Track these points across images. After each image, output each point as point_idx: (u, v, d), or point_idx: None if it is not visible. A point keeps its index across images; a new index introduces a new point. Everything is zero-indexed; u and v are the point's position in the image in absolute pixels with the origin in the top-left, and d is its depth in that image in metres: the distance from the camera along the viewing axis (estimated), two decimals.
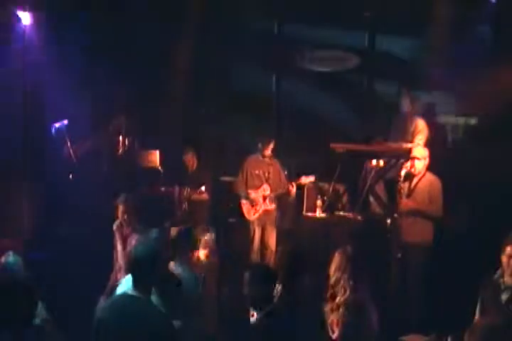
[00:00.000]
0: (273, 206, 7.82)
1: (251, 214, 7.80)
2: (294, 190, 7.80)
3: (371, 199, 7.33)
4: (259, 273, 4.11)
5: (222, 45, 9.28)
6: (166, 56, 9.28)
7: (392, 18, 8.55)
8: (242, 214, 7.88)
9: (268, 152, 7.83)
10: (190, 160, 8.43)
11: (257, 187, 7.81)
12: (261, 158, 7.86)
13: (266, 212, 7.79)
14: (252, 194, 7.79)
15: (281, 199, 7.95)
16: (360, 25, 9.06)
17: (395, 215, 6.32)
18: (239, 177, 7.91)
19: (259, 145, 7.84)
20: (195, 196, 8.25)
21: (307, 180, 7.70)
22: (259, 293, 3.97)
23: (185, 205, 8.28)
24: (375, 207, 7.33)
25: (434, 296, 6.18)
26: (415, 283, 6.21)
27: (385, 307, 5.29)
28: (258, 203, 7.78)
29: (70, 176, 8.18)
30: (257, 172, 7.84)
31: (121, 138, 8.56)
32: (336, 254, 4.44)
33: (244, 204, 7.84)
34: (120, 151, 8.58)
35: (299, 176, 7.82)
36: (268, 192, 7.78)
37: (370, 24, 9.08)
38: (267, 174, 7.83)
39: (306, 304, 4.60)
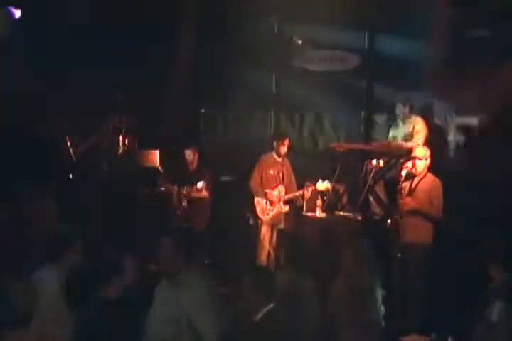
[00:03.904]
0: (287, 208, 7.82)
1: (265, 214, 7.79)
2: (308, 194, 7.66)
3: (371, 199, 7.33)
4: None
5: (222, 45, 9.30)
6: (167, 56, 9.29)
7: (392, 18, 8.59)
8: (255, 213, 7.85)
9: (284, 149, 7.81)
10: (192, 158, 8.42)
11: (272, 187, 7.80)
12: (276, 156, 7.85)
13: (279, 213, 7.79)
14: (269, 194, 7.78)
15: (291, 202, 7.92)
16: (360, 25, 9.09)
17: (396, 215, 6.33)
18: (255, 175, 7.86)
19: (274, 143, 7.83)
20: (194, 194, 8.24)
21: (323, 186, 7.49)
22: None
23: (184, 204, 8.28)
24: (375, 207, 7.33)
25: (434, 296, 6.18)
26: (415, 283, 6.21)
27: (385, 307, 5.29)
28: (274, 204, 7.77)
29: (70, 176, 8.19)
30: (271, 172, 7.83)
31: (121, 138, 8.56)
32: None
33: (259, 203, 7.82)
34: (120, 151, 8.58)
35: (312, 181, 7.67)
36: (283, 193, 7.77)
37: (370, 24, 9.11)
38: (281, 174, 7.82)
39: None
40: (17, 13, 8.21)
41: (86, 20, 8.58)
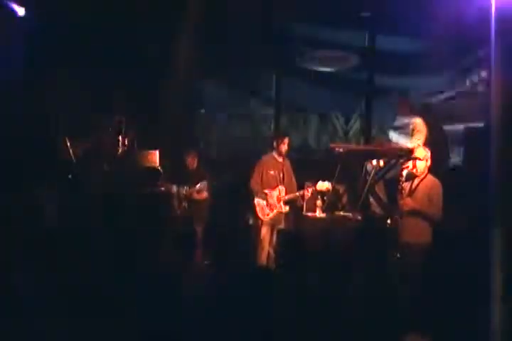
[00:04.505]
0: (287, 209, 7.80)
1: (265, 215, 7.78)
2: (308, 194, 7.66)
3: (371, 199, 7.33)
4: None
5: (222, 45, 9.31)
6: (166, 55, 9.30)
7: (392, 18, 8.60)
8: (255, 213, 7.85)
9: (285, 147, 7.79)
10: (192, 159, 8.45)
11: (272, 188, 7.79)
12: (276, 156, 7.84)
13: (279, 213, 7.78)
14: (269, 194, 7.77)
15: (292, 202, 7.90)
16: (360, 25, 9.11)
17: (396, 215, 6.33)
18: (255, 176, 7.85)
19: (274, 142, 7.82)
20: (194, 195, 8.27)
21: (323, 186, 7.47)
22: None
23: (184, 204, 8.30)
24: (375, 207, 7.33)
25: (433, 296, 6.18)
26: (415, 283, 6.21)
27: (385, 307, 5.30)
28: (274, 204, 7.76)
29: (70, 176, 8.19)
30: (271, 172, 7.81)
31: (121, 138, 8.56)
32: None
33: (259, 203, 7.81)
34: (120, 151, 8.58)
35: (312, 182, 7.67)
36: (283, 193, 7.76)
37: (370, 24, 9.13)
38: (281, 175, 7.80)
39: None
40: (20, 11, 8.12)
41: (86, 20, 8.59)
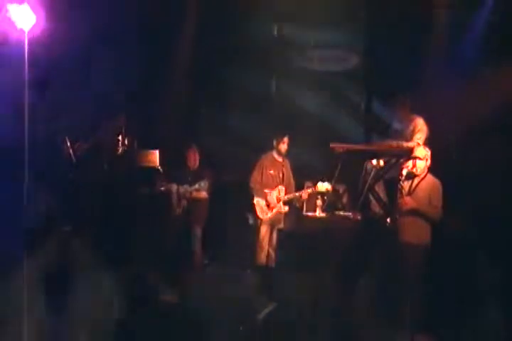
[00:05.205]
0: (286, 209, 7.80)
1: (264, 214, 7.78)
2: (305, 196, 7.65)
3: (371, 199, 7.34)
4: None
5: (223, 45, 9.32)
6: (166, 55, 9.31)
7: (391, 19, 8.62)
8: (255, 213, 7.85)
9: (285, 147, 7.78)
10: (192, 158, 8.45)
11: (272, 187, 7.79)
12: (276, 156, 7.84)
13: (279, 213, 7.78)
14: (269, 194, 7.76)
15: (291, 202, 7.90)
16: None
17: (395, 214, 6.34)
18: (255, 175, 7.85)
19: (274, 142, 7.82)
20: (194, 194, 8.27)
21: (323, 187, 7.42)
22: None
23: (184, 203, 8.30)
24: (375, 207, 7.34)
25: (433, 296, 6.19)
26: (415, 283, 6.22)
27: (385, 307, 5.31)
28: (273, 204, 7.76)
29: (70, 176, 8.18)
30: (271, 172, 7.82)
31: (121, 138, 8.56)
32: None
33: (258, 203, 7.81)
34: (120, 151, 8.58)
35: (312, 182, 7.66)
36: (283, 193, 7.75)
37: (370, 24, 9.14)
38: (281, 175, 7.81)
39: None
40: (27, 21, 7.98)
41: (86, 20, 8.59)
